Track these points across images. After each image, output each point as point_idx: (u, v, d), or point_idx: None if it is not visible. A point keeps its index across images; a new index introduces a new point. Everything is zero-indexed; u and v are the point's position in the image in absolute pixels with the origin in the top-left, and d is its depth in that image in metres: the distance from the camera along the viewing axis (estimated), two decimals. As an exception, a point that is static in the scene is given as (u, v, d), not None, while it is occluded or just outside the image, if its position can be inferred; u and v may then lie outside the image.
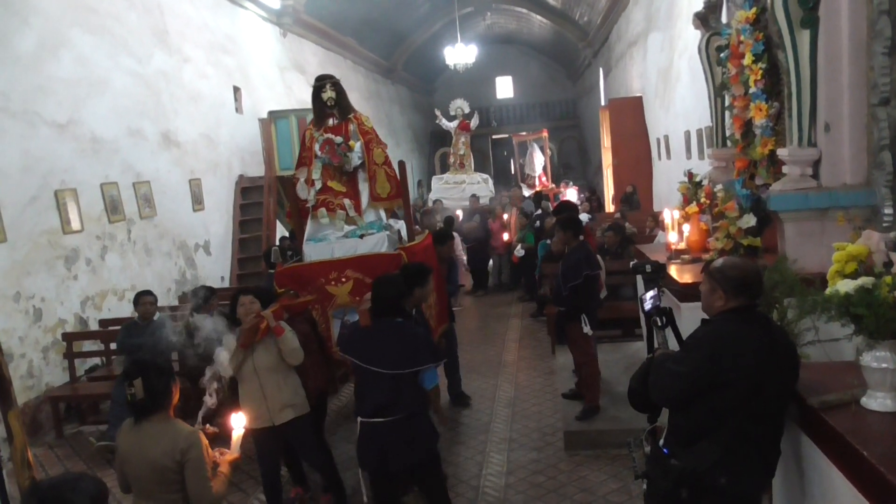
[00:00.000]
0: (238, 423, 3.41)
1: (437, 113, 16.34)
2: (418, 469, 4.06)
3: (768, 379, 2.71)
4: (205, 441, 3.13)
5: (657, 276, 3.70)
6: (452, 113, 15.88)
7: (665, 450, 2.93)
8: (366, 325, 4.14)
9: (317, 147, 5.72)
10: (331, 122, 5.82)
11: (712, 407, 2.75)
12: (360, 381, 4.11)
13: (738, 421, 2.72)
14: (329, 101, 5.74)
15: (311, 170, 5.76)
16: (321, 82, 5.81)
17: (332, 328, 5.42)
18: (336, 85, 5.79)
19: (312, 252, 5.64)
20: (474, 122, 15.93)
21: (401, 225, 6.19)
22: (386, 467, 3.97)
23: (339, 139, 5.69)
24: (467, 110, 15.85)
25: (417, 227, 7.71)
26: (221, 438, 3.69)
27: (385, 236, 5.68)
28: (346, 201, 5.75)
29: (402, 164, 6.07)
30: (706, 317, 3.00)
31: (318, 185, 5.75)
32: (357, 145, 5.76)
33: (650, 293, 3.43)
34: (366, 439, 3.99)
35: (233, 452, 3.36)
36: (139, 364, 3.15)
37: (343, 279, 5.33)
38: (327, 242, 5.65)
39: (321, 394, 5.16)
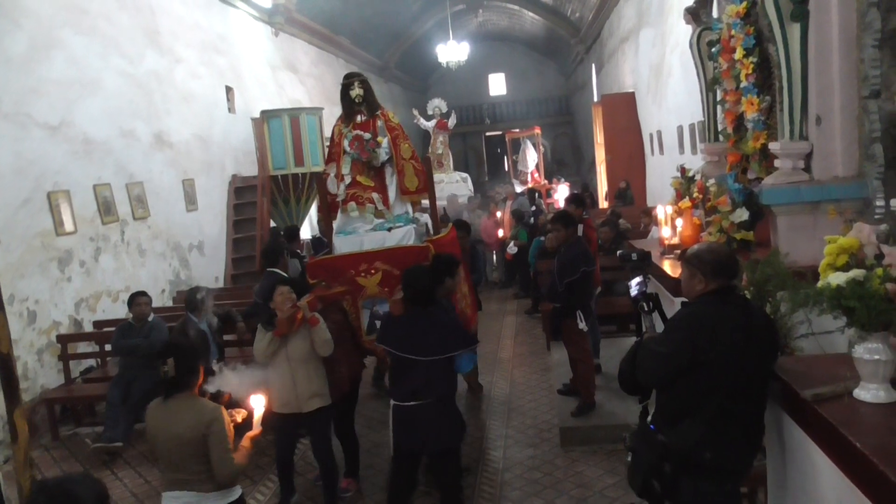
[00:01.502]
0: (258, 403, 3.58)
1: (415, 112, 16.30)
2: (446, 454, 4.16)
3: (747, 357, 2.81)
4: (227, 417, 3.38)
5: (643, 264, 3.87)
6: (430, 112, 15.83)
7: (652, 426, 3.04)
8: (398, 313, 4.30)
9: (346, 143, 5.87)
10: (359, 118, 5.95)
11: (694, 385, 2.86)
12: (395, 368, 4.25)
13: (719, 399, 2.83)
14: (357, 98, 5.89)
15: (341, 165, 5.89)
16: (349, 80, 5.98)
17: (362, 318, 5.57)
18: (364, 82, 5.96)
19: (342, 245, 5.76)
20: (452, 121, 15.88)
21: (426, 218, 6.33)
22: (421, 450, 4.12)
23: (367, 135, 5.86)
24: (445, 109, 15.83)
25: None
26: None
27: (412, 229, 5.80)
28: (375, 195, 5.90)
29: (427, 160, 6.24)
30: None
31: (348, 179, 5.89)
32: (384, 141, 5.92)
33: (636, 279, 3.60)
34: (403, 422, 4.11)
35: (255, 429, 3.55)
36: (172, 345, 3.40)
37: (372, 271, 5.45)
38: (357, 235, 5.76)
39: (354, 381, 5.33)
